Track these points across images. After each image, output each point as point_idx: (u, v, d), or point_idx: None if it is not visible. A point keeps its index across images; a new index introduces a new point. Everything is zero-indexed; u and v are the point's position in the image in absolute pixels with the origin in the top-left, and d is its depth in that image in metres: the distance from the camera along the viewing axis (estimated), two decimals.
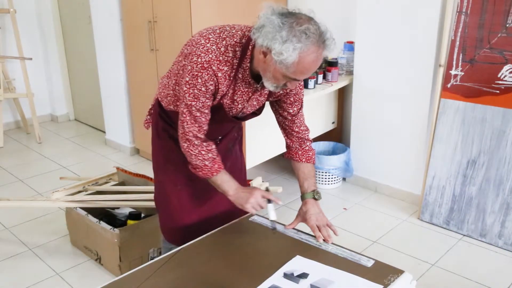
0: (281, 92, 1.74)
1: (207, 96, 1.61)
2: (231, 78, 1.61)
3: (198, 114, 1.63)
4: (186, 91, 1.61)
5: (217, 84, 1.59)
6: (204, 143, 1.69)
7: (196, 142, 1.67)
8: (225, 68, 1.58)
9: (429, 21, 2.86)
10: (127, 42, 3.82)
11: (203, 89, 1.58)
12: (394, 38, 3.04)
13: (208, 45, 1.56)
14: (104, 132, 4.52)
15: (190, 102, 1.61)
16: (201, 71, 1.56)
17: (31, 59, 4.46)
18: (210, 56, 1.55)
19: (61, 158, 4.10)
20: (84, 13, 4.44)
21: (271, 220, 1.75)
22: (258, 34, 1.47)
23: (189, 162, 1.73)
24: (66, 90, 5.08)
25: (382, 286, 1.46)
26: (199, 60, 1.56)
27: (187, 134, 1.66)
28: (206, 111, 1.64)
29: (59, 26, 4.87)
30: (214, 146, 1.72)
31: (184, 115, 1.65)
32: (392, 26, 3.03)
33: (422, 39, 2.91)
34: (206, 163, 1.69)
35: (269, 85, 1.58)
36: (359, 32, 3.21)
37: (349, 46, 3.40)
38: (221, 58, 1.56)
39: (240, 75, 1.62)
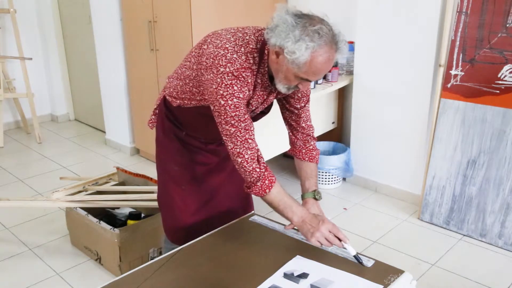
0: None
1: (245, 103, 1.58)
2: (254, 84, 1.61)
3: (243, 124, 1.57)
4: (224, 105, 1.54)
5: (250, 90, 1.58)
6: (258, 157, 1.62)
7: (246, 157, 1.60)
8: (250, 75, 1.57)
9: (429, 21, 2.86)
10: (127, 42, 3.82)
11: (241, 95, 1.55)
12: (394, 38, 3.04)
13: (229, 55, 1.54)
14: (104, 132, 4.52)
15: (234, 113, 1.55)
16: (233, 79, 1.53)
17: (31, 59, 4.46)
18: (236, 65, 1.54)
19: (61, 158, 4.10)
20: (84, 13, 4.44)
21: (354, 256, 1.60)
22: (272, 34, 1.47)
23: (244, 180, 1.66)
24: (66, 90, 5.08)
25: (382, 286, 1.46)
26: (227, 70, 1.53)
27: (235, 148, 1.60)
28: (247, 116, 1.59)
29: (59, 26, 4.87)
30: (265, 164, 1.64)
31: (230, 131, 1.58)
32: (392, 26, 3.03)
33: (422, 39, 2.91)
34: (258, 182, 1.62)
35: (280, 87, 1.57)
36: (359, 32, 3.21)
37: (349, 46, 3.40)
38: (245, 65, 1.55)
39: (259, 80, 1.62)
